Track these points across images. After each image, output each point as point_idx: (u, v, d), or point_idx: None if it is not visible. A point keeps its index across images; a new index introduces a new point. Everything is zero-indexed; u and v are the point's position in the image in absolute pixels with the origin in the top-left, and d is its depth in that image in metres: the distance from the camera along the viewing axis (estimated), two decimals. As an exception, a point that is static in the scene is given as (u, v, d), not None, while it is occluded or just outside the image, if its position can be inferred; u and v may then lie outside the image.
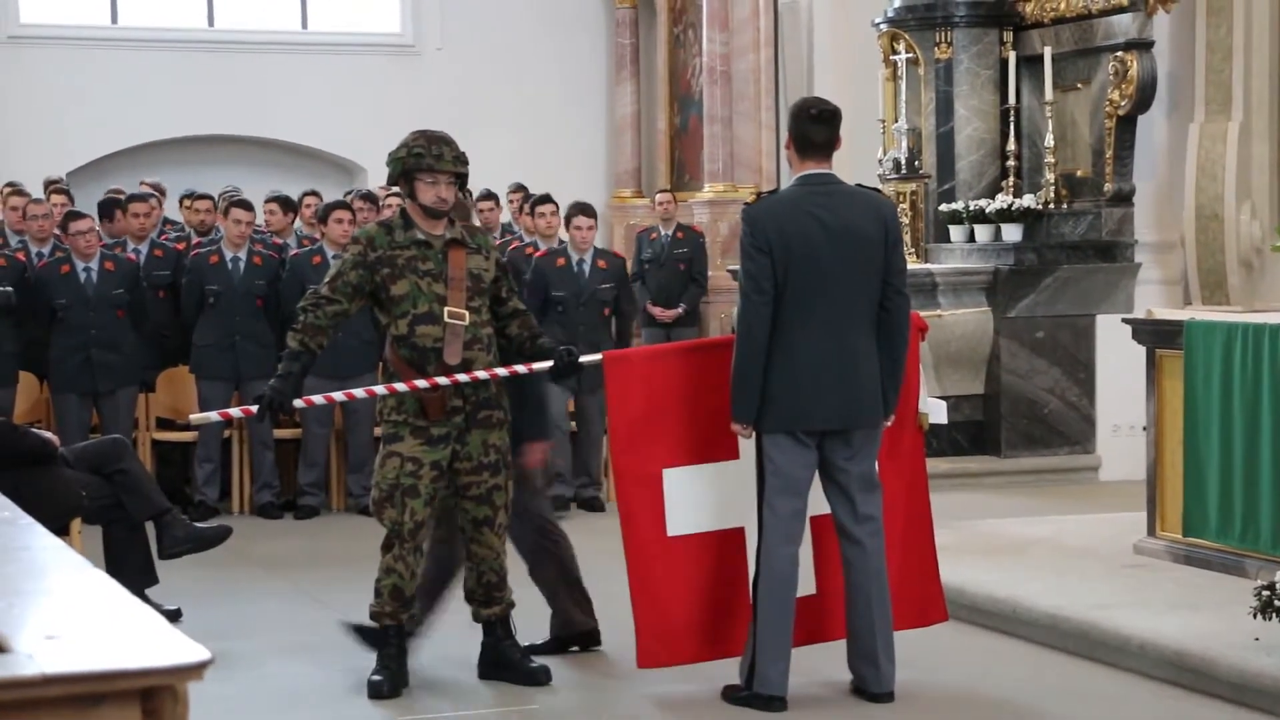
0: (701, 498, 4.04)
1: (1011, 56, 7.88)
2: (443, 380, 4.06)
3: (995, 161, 8.00)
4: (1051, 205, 7.68)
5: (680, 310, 8.78)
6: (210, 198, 7.90)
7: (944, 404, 4.57)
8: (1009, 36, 7.94)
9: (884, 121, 8.32)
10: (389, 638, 4.15)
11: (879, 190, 4.20)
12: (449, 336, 4.09)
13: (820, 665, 4.09)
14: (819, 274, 3.82)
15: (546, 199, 7.54)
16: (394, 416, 4.12)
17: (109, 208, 7.59)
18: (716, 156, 10.15)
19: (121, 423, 6.63)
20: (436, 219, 4.17)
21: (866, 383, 3.88)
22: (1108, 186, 7.55)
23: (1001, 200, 7.75)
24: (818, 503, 3.96)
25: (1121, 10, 7.39)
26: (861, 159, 7.87)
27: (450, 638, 4.46)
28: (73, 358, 6.71)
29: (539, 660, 4.29)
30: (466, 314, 4.12)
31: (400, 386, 4.07)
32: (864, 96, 8.25)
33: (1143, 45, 7.37)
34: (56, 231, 7.15)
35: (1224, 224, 7.21)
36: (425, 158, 4.14)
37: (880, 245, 3.87)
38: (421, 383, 4.05)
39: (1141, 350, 5.32)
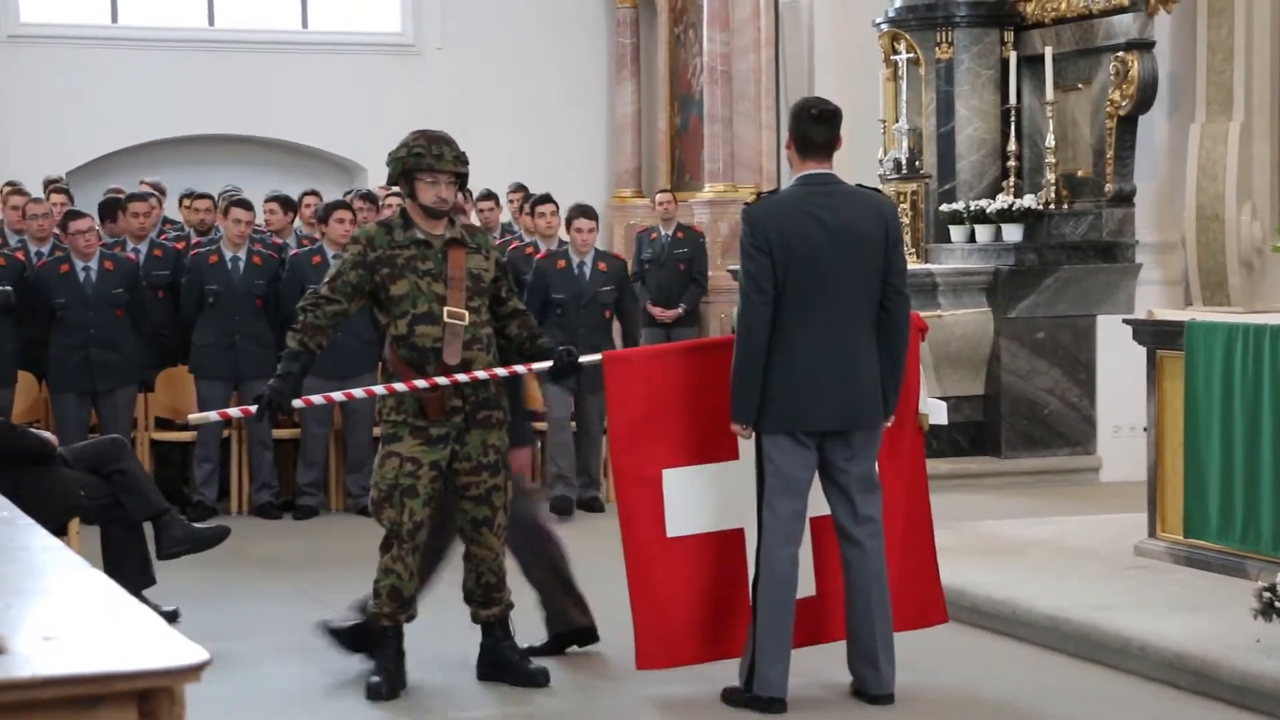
0: (701, 498, 4.03)
1: (1012, 56, 7.87)
2: (442, 380, 4.05)
3: (996, 162, 7.99)
4: (1052, 206, 7.68)
5: (680, 310, 8.78)
6: (210, 197, 7.89)
7: (944, 405, 4.56)
8: (1010, 36, 7.93)
9: (884, 121, 8.32)
10: (387, 639, 4.15)
11: (879, 190, 4.19)
12: (448, 336, 4.09)
13: (820, 667, 4.08)
14: (819, 274, 3.82)
15: (546, 199, 7.54)
16: (393, 416, 4.12)
17: (110, 208, 7.58)
18: (717, 156, 10.14)
19: (120, 422, 6.63)
20: (436, 219, 4.16)
21: (866, 383, 3.87)
22: (1108, 187, 7.54)
23: (1002, 200, 7.74)
24: (817, 504, 3.95)
25: (1122, 10, 7.38)
26: (862, 159, 7.87)
27: (449, 639, 4.45)
28: (72, 357, 6.71)
29: (538, 662, 4.28)
30: (466, 314, 4.11)
31: (399, 386, 4.06)
32: (864, 96, 8.24)
33: (1143, 45, 7.37)
34: (56, 231, 7.14)
35: (1225, 224, 7.21)
36: (425, 157, 4.13)
37: (880, 245, 3.86)
38: (421, 383, 4.04)
39: (1142, 351, 5.31)
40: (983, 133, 8.00)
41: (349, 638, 4.33)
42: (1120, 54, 7.39)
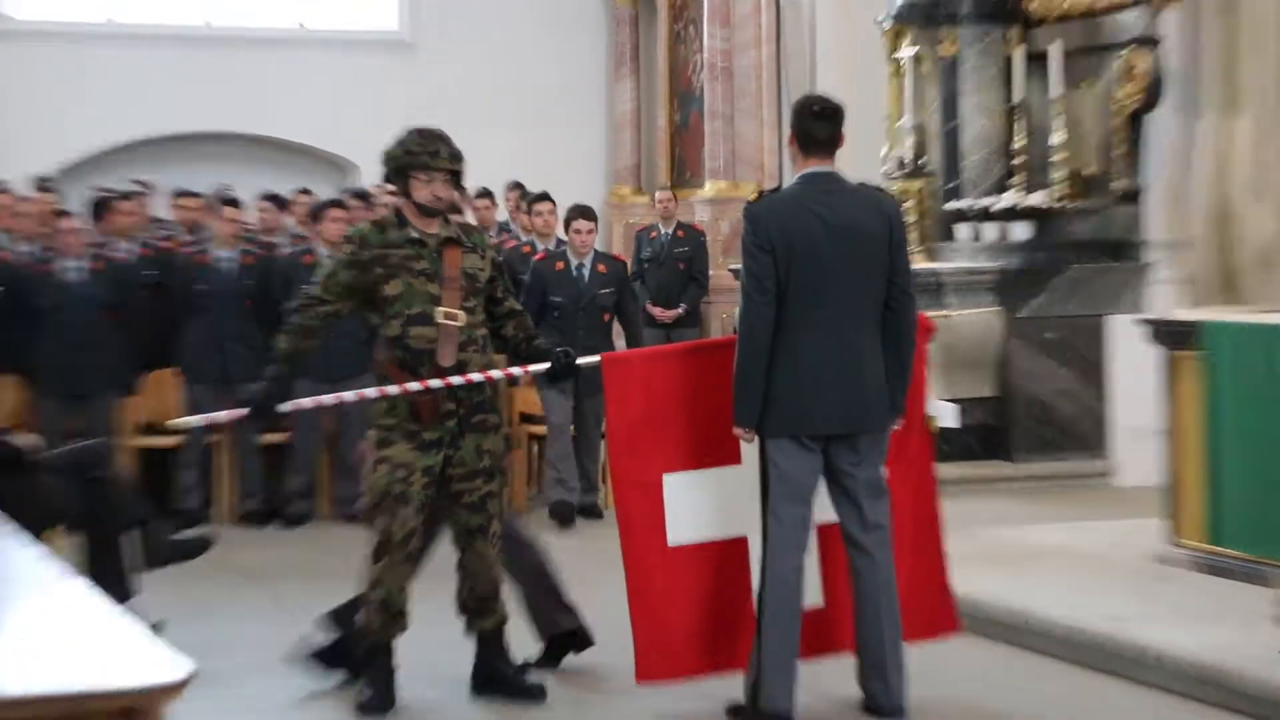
0: (703, 505, 3.98)
1: (1018, 53, 7.84)
2: (435, 383, 4.00)
3: (1002, 159, 7.96)
4: (1060, 204, 7.64)
5: (680, 310, 8.73)
6: (200, 196, 7.84)
7: (953, 407, 4.52)
8: (1015, 33, 7.90)
9: (889, 119, 8.28)
10: (378, 652, 4.09)
11: (881, 189, 4.15)
12: (443, 338, 4.04)
13: (829, 680, 4.03)
14: (822, 273, 3.78)
15: (544, 197, 7.50)
16: (385, 420, 4.06)
17: (101, 206, 7.54)
18: (718, 154, 10.11)
19: (102, 428, 6.56)
20: (431, 217, 4.12)
21: (872, 385, 3.83)
22: (1117, 184, 7.52)
23: (1009, 199, 7.71)
24: (824, 510, 3.90)
25: (1129, 6, 7.36)
26: (865, 157, 7.83)
27: (442, 652, 4.39)
28: (57, 360, 6.65)
29: (534, 676, 4.22)
30: (461, 315, 4.07)
31: (392, 389, 4.01)
32: (868, 94, 8.20)
33: (1150, 42, 7.35)
34: (42, 230, 7.09)
35: (1236, 222, 7.17)
36: (421, 155, 4.10)
37: (885, 244, 3.83)
38: (414, 385, 3.99)
39: (1156, 351, 5.27)
40: (988, 130, 7.97)
41: (327, 656, 4.28)
42: (1128, 51, 7.37)
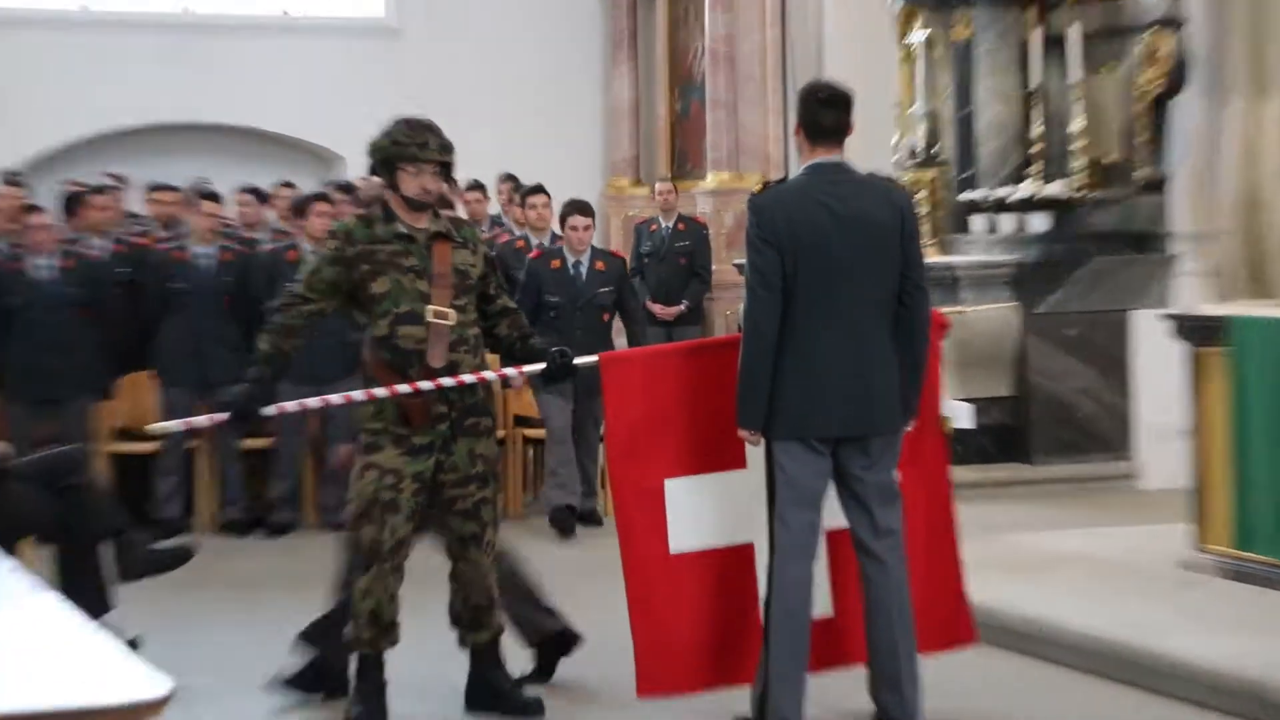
0: (707, 511, 3.99)
1: (1035, 36, 7.84)
2: (426, 385, 4.00)
3: (1019, 147, 7.96)
4: (1080, 194, 7.65)
5: (682, 307, 8.74)
6: (177, 189, 7.84)
7: (968, 407, 4.53)
8: (1032, 15, 7.90)
9: (900, 106, 8.28)
10: (367, 667, 4.09)
11: (894, 180, 4.15)
12: (433, 338, 4.05)
13: (839, 694, 4.03)
14: (831, 268, 3.78)
15: (538, 190, 7.50)
16: (373, 424, 4.07)
17: (72, 201, 7.53)
18: (720, 143, 10.12)
19: (76, 434, 6.56)
20: (420, 211, 4.12)
21: (884, 385, 3.83)
22: (1140, 173, 7.53)
23: (1026, 189, 7.71)
24: (833, 516, 3.90)
25: (1152, -13, 7.37)
26: (875, 146, 7.83)
27: (434, 666, 4.39)
28: (27, 362, 6.65)
29: (531, 690, 4.23)
30: (452, 313, 4.07)
31: (380, 392, 4.01)
32: (877, 79, 8.20)
33: (1174, 23, 7.35)
34: (11, 226, 7.09)
35: (1265, 211, 7.16)
36: (409, 146, 4.10)
37: (896, 237, 3.83)
38: (403, 388, 3.99)
39: (1181, 348, 5.27)
40: (1004, 117, 7.97)
41: (303, 680, 4.29)
42: (1150, 33, 7.37)
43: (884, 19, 8.34)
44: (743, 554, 3.99)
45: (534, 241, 7.41)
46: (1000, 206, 7.79)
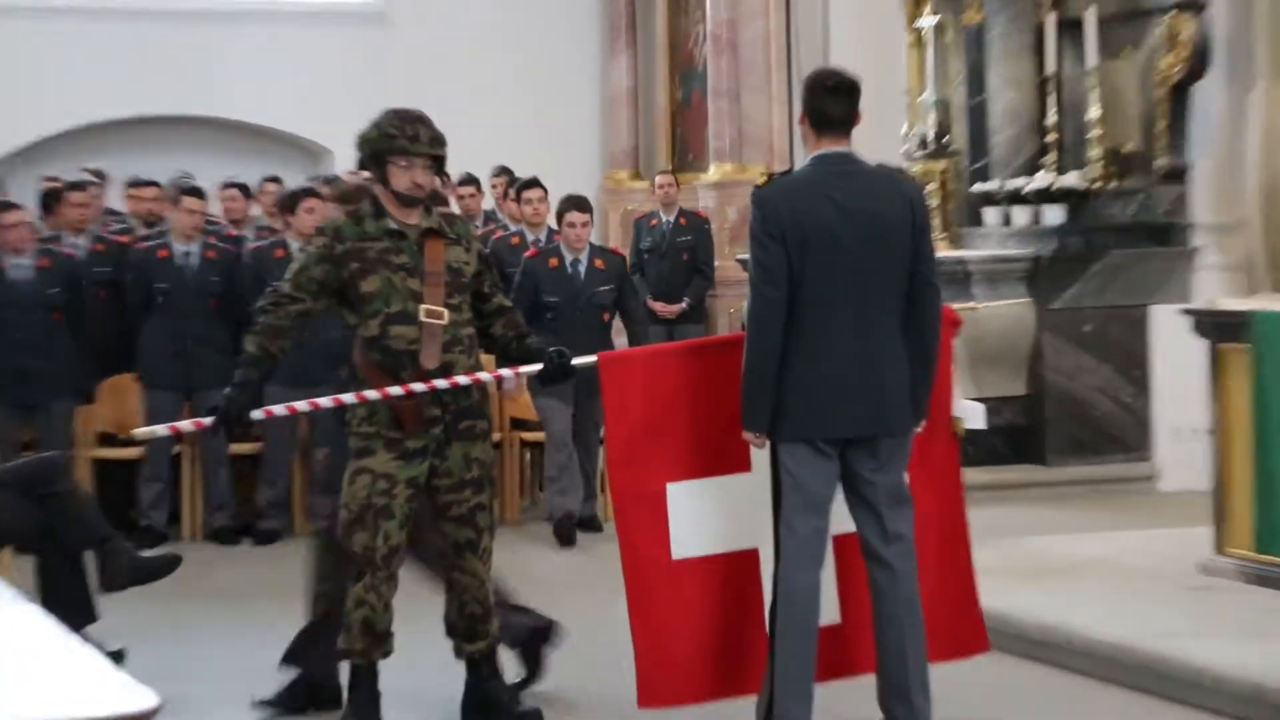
0: (710, 516, 4.01)
1: (1050, 20, 7.86)
2: (419, 387, 4.02)
3: (1033, 136, 7.98)
4: (1097, 184, 7.66)
5: (684, 305, 8.76)
6: (158, 185, 7.86)
7: (981, 407, 4.54)
8: (1047, -2, 7.93)
9: (909, 94, 8.30)
10: (360, 678, 4.12)
11: (902, 171, 4.17)
12: (425, 338, 4.07)
13: (847, 704, 4.05)
14: (838, 264, 3.80)
15: (534, 183, 7.51)
16: (365, 428, 4.09)
17: (50, 199, 7.56)
18: (722, 134, 10.13)
19: (57, 439, 6.58)
20: (411, 207, 4.15)
21: (893, 384, 3.85)
22: (1160, 163, 7.54)
23: (1041, 179, 7.73)
24: (841, 520, 3.92)
25: (1171, -33, 7.38)
26: (884, 136, 7.84)
27: (429, 677, 4.41)
28: (4, 365, 6.67)
29: (529, 701, 4.25)
30: (445, 312, 4.09)
31: (371, 394, 4.04)
32: (886, 66, 8.22)
33: (1195, 6, 7.36)
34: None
35: (1292, 202, 7.18)
36: (399, 139, 4.12)
37: (906, 230, 3.85)
38: (395, 390, 4.02)
39: (1202, 344, 5.29)
40: (1018, 105, 7.99)
41: (288, 698, 4.32)
42: (1170, 16, 7.38)
43: (892, 3, 8.36)
44: (747, 560, 4.01)
45: (529, 237, 7.42)
46: (1014, 198, 7.81)
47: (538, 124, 10.85)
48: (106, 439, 7.05)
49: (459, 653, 4.25)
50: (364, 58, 10.76)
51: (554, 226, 7.17)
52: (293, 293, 4.12)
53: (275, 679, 4.41)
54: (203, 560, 6.24)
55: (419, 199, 4.15)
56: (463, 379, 4.07)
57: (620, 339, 6.98)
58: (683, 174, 10.08)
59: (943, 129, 8.14)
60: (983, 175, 8.03)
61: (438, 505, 4.14)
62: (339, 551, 4.24)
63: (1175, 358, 6.83)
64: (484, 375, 4.15)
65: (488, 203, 8.81)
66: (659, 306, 8.67)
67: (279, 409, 4.31)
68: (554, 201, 7.15)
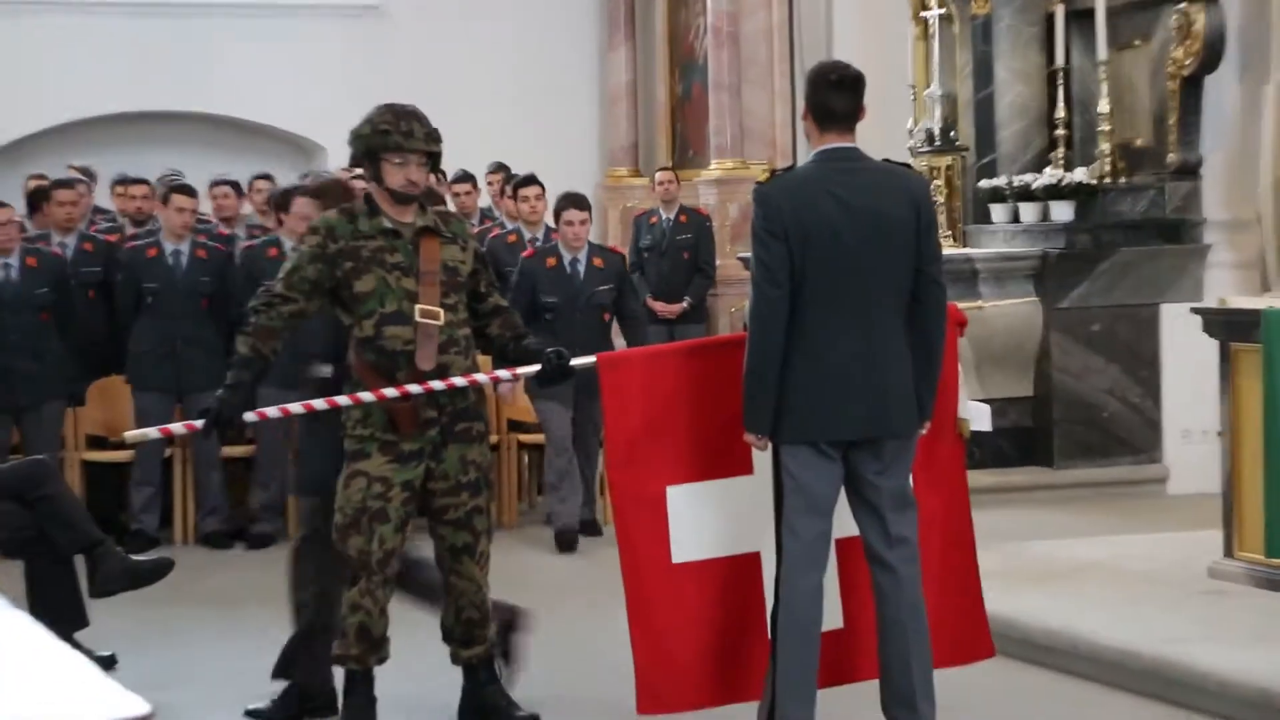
0: (711, 519, 4.03)
1: (1059, 11, 7.87)
2: (415, 388, 4.04)
3: (1042, 131, 8.00)
4: (1107, 180, 7.67)
5: (684, 305, 8.78)
6: (147, 183, 7.88)
7: (987, 408, 4.56)
8: (1056, -12, 7.94)
9: (915, 87, 8.32)
10: (356, 684, 4.14)
11: (909, 166, 4.19)
12: (421, 338, 4.09)
13: (850, 710, 4.07)
14: (842, 262, 3.81)
15: (531, 180, 7.52)
16: (359, 430, 4.11)
17: (37, 197, 7.57)
18: (723, 129, 10.13)
19: (46, 442, 6.61)
20: (406, 205, 4.16)
21: (898, 385, 3.86)
22: (1171, 158, 7.54)
23: (1050, 175, 7.74)
24: (844, 524, 3.94)
25: (1184, -43, 7.38)
26: (889, 130, 7.86)
27: (425, 683, 4.44)
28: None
29: (527, 707, 4.28)
30: (441, 312, 4.11)
31: (366, 396, 4.06)
32: (891, 59, 8.24)
33: (1209, -4, 7.37)
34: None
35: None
36: (393, 135, 4.13)
37: (912, 228, 3.86)
38: (390, 391, 4.03)
39: (1213, 344, 5.30)
40: (1026, 98, 8.00)
41: (280, 707, 4.35)
42: (1183, 6, 7.38)
43: (898, -5, 8.38)
44: (748, 564, 4.02)
45: (527, 235, 7.43)
46: (1022, 194, 7.81)
47: (535, 119, 10.87)
48: (96, 442, 7.07)
49: (456, 658, 4.27)
50: (358, 52, 10.77)
51: (552, 225, 7.18)
52: (285, 293, 4.13)
53: (267, 685, 4.43)
54: (194, 565, 6.26)
55: (413, 196, 4.17)
56: (459, 380, 4.08)
57: (621, 339, 6.98)
58: (683, 170, 10.09)
59: (949, 123, 8.15)
60: (990, 171, 8.04)
61: (434, 509, 4.16)
62: (314, 558, 4.27)
63: (1185, 358, 6.85)
64: (480, 377, 4.17)
65: (484, 200, 8.83)
66: (659, 306, 8.68)
67: (272, 411, 4.33)
68: (551, 199, 7.16)
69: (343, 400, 4.10)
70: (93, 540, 4.86)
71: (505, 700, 4.26)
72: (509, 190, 7.98)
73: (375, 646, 4.13)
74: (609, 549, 4.28)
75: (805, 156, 4.06)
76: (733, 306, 9.34)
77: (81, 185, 7.71)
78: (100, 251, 7.26)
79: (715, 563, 4.03)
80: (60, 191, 7.41)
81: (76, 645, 4.44)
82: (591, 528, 6.84)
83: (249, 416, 4.18)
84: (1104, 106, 7.64)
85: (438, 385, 4.06)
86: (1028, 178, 7.81)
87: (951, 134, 8.16)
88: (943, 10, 8.15)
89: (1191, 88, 7.45)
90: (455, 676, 4.29)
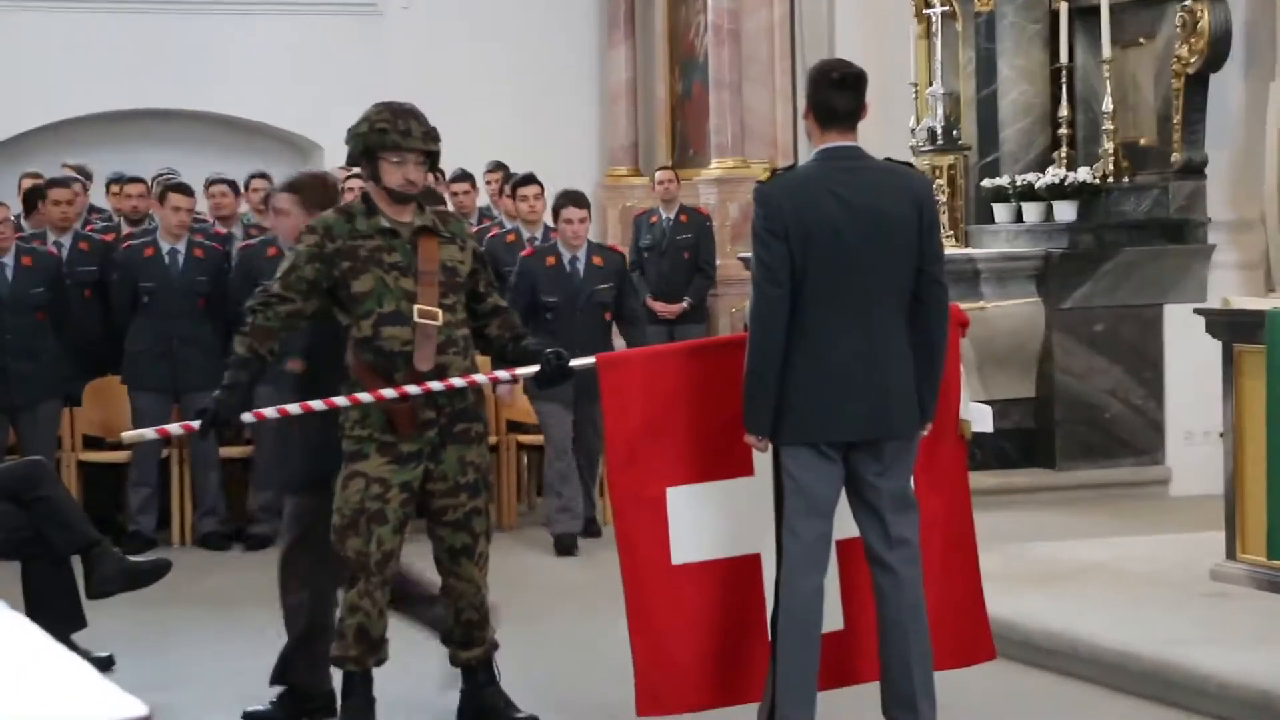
0: (711, 520, 4.04)
1: (1063, 8, 7.88)
2: (413, 389, 4.06)
3: (1045, 130, 8.01)
4: (1111, 179, 7.68)
5: (685, 305, 8.79)
6: (143, 181, 7.89)
7: (989, 409, 4.58)
8: (1059, -15, 7.95)
9: (917, 85, 8.33)
10: (354, 686, 4.16)
11: (911, 165, 4.20)
12: (419, 339, 4.10)
13: (851, 712, 4.08)
14: (843, 262, 3.83)
15: (530, 179, 7.54)
16: (357, 431, 4.13)
17: (33, 196, 7.58)
18: (724, 128, 10.14)
19: (42, 442, 6.62)
20: (404, 204, 4.18)
21: (899, 386, 3.88)
22: (1176, 157, 7.55)
23: (1053, 174, 7.75)
24: (845, 525, 3.96)
25: (1189, -47, 7.39)
26: (892, 129, 7.88)
27: (424, 684, 4.46)
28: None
29: (526, 709, 4.29)
30: (439, 313, 4.12)
31: (364, 397, 4.07)
32: (894, 57, 8.25)
33: (1214, -7, 7.37)
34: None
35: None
36: (390, 134, 4.15)
37: (914, 228, 3.87)
38: (389, 392, 4.05)
39: (1217, 345, 5.32)
40: (1029, 96, 8.01)
41: (278, 709, 4.37)
42: (1188, 3, 7.39)
43: (900, -8, 8.38)
44: (749, 565, 4.04)
45: (525, 235, 7.44)
46: (1025, 194, 7.82)
47: (534, 118, 10.86)
48: (93, 442, 7.08)
49: (455, 660, 4.29)
50: (355, 50, 10.77)
51: (551, 224, 7.19)
52: (282, 293, 4.15)
53: (265, 686, 4.44)
54: (192, 566, 6.28)
55: (412, 196, 4.18)
56: (458, 381, 4.10)
57: (621, 340, 6.98)
58: (683, 169, 10.09)
59: (951, 122, 8.16)
60: (992, 170, 8.05)
61: (432, 510, 4.18)
62: (305, 560, 4.28)
63: (1188, 359, 6.86)
64: (479, 377, 4.19)
65: (482, 199, 8.84)
66: (659, 306, 8.69)
67: (270, 412, 4.34)
68: (550, 198, 7.17)
69: (341, 401, 4.12)
70: (90, 541, 4.87)
71: (504, 702, 4.28)
72: (508, 190, 7.99)
73: (374, 648, 4.15)
74: (608, 550, 4.29)
75: (806, 155, 4.07)
76: (733, 307, 9.35)
77: (77, 184, 7.72)
78: (96, 251, 7.28)
79: (715, 564, 4.04)
80: (55, 190, 7.42)
81: (74, 646, 4.47)
82: (591, 528, 6.85)
83: (246, 417, 4.19)
84: (1108, 105, 7.64)
85: (436, 386, 4.07)
86: (1030, 177, 7.81)
87: (954, 133, 8.17)
88: (945, 7, 8.15)
89: (1196, 86, 7.45)
90: (454, 679, 4.30)
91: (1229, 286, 7.13)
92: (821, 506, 3.88)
